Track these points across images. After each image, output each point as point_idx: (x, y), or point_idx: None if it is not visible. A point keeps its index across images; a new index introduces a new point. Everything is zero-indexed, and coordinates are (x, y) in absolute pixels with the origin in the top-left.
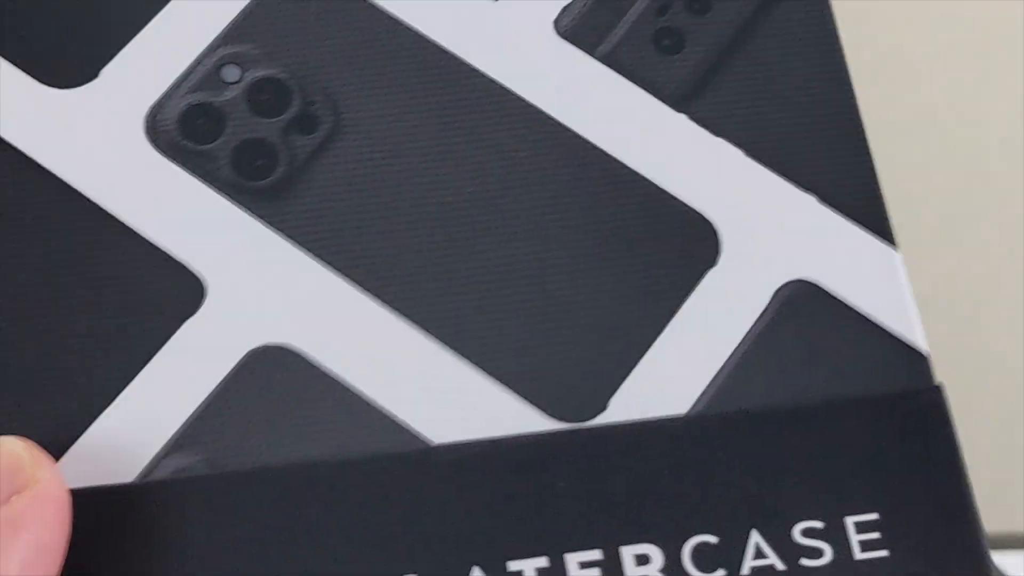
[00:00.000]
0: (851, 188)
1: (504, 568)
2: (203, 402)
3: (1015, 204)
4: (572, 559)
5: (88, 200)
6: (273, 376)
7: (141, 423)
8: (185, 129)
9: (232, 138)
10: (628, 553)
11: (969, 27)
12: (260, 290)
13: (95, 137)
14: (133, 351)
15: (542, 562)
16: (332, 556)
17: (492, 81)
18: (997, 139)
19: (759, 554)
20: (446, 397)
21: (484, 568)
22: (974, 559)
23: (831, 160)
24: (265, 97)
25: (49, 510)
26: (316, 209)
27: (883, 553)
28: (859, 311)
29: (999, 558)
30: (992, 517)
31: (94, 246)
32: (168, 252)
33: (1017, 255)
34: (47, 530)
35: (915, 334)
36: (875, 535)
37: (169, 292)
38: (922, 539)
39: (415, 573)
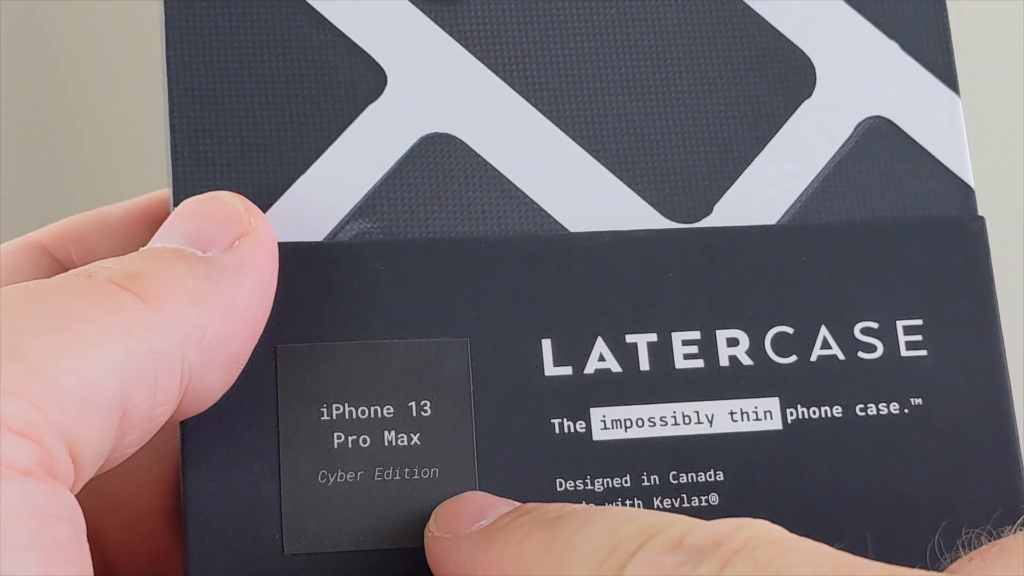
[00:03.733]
0: (928, 39)
1: (623, 339)
2: (382, 177)
3: (1015, 203)
4: (677, 336)
5: None
6: (441, 160)
7: (329, 191)
8: None
9: None
10: (721, 335)
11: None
12: (432, 85)
13: None
14: (324, 128)
15: (652, 337)
16: (484, 319)
17: None
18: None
19: (825, 345)
20: (584, 193)
21: (606, 338)
22: (995, 365)
23: (914, 13)
24: None
25: (266, 252)
26: (486, 17)
27: (923, 352)
28: (924, 147)
29: None
30: None
31: (294, 33)
32: (356, 43)
33: (1016, 255)
34: (266, 269)
35: (967, 171)
36: (918, 337)
37: (356, 78)
38: (955, 343)
39: (550, 338)
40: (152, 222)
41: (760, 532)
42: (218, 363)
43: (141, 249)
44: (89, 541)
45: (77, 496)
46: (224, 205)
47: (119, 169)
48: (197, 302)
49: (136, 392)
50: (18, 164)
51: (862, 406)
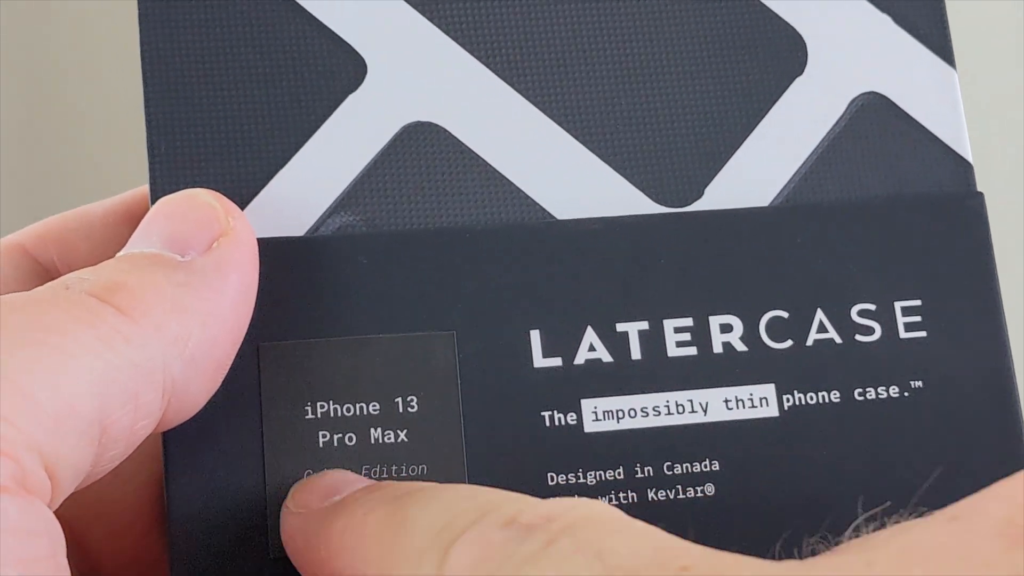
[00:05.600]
0: (922, 12)
1: (613, 328)
2: (363, 169)
3: (1014, 199)
4: (668, 324)
5: None
6: (424, 149)
7: (309, 184)
8: None
9: None
10: (715, 321)
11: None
12: (414, 73)
13: None
14: (304, 119)
15: (643, 325)
16: (470, 311)
17: None
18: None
19: (822, 329)
20: (571, 179)
21: (596, 328)
22: (997, 346)
23: None
24: None
25: (246, 252)
26: (467, 2)
27: (922, 334)
28: (920, 123)
29: None
30: None
31: (272, 23)
32: (335, 32)
33: (1015, 256)
34: (248, 271)
35: (964, 146)
36: (917, 318)
37: (335, 68)
38: (955, 324)
39: (539, 329)
40: (133, 220)
41: (592, 512)
42: (201, 372)
43: (118, 256)
44: (75, 551)
45: (61, 505)
46: (201, 205)
47: (120, 171)
48: (178, 311)
49: (116, 407)
50: (18, 164)
51: (860, 390)
